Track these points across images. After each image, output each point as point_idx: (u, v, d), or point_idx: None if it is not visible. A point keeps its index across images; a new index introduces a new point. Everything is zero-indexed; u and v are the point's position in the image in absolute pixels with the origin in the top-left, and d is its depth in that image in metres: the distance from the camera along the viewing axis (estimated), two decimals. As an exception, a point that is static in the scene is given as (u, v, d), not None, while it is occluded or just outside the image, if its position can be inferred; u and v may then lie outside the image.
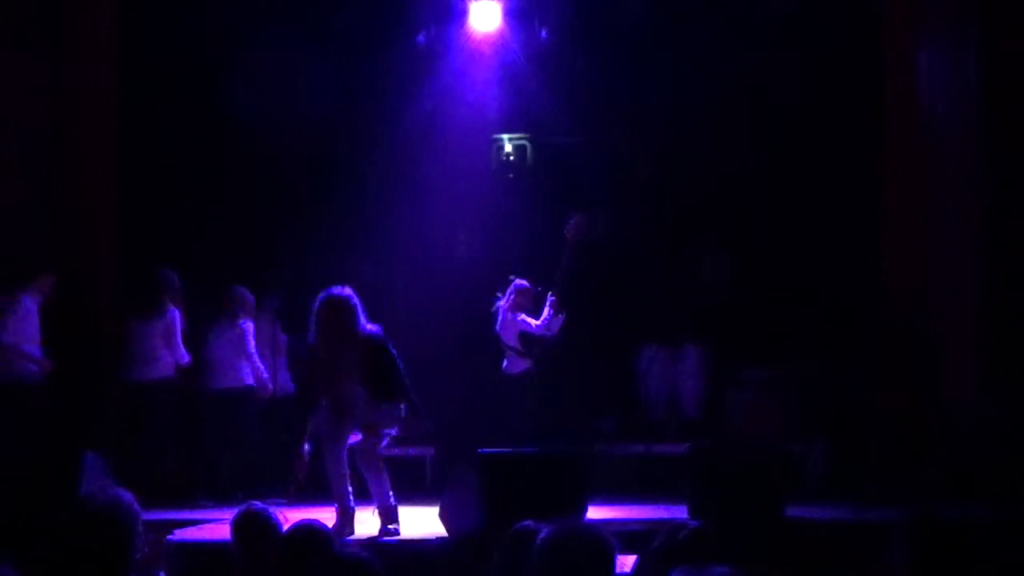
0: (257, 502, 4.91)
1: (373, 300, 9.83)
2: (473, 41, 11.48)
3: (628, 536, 6.62)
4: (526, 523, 3.79)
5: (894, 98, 9.67)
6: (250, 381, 9.79)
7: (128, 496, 3.20)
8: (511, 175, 12.08)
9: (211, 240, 10.98)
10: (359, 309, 7.49)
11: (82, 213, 9.67)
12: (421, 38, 11.49)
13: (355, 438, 7.40)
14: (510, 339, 9.97)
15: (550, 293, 10.00)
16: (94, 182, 9.77)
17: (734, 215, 11.56)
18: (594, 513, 7.24)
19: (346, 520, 7.27)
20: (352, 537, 7.09)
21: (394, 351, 7.49)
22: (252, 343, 9.81)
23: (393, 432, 7.51)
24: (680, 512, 7.29)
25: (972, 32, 8.80)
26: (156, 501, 8.70)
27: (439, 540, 6.91)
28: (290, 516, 4.68)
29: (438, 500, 7.28)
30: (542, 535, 3.02)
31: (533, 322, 9.93)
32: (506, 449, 7.37)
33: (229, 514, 4.89)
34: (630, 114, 11.75)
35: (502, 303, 10.05)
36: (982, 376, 8.69)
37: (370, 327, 7.53)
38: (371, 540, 6.97)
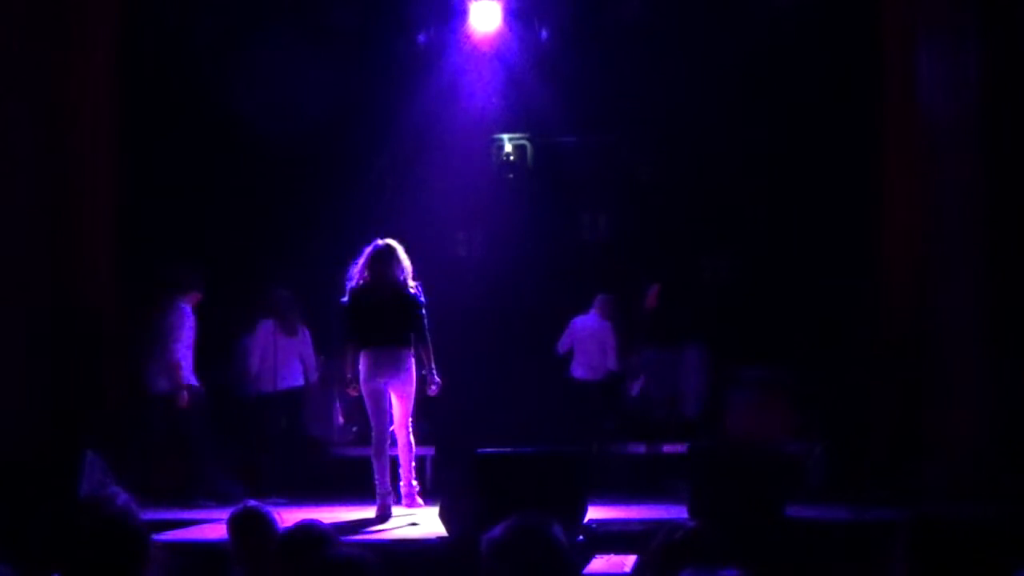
0: (253, 501, 4.91)
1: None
2: (473, 41, 11.48)
3: (628, 536, 6.67)
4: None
5: (894, 98, 9.66)
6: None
7: (135, 507, 3.16)
8: (511, 175, 12.09)
9: (210, 239, 10.97)
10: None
11: (81, 214, 9.66)
12: (421, 38, 11.49)
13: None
14: (598, 349, 10.57)
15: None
16: (93, 183, 9.75)
17: (734, 215, 11.56)
18: (594, 513, 7.23)
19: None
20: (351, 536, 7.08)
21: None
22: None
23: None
24: (680, 512, 7.29)
25: (972, 32, 8.79)
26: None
27: (439, 540, 6.91)
28: (290, 516, 4.68)
29: (438, 500, 7.28)
30: (492, 534, 2.94)
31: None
32: (505, 449, 7.36)
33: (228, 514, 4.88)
34: (630, 114, 11.75)
35: (591, 317, 10.72)
36: (982, 375, 8.68)
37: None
38: (371, 539, 6.97)
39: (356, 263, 7.87)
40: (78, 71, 9.62)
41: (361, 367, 7.78)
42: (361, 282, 7.81)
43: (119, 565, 2.93)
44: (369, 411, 7.88)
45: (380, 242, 7.90)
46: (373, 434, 7.87)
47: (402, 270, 7.80)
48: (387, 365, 7.75)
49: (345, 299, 7.87)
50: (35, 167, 9.26)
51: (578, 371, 10.78)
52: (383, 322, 7.72)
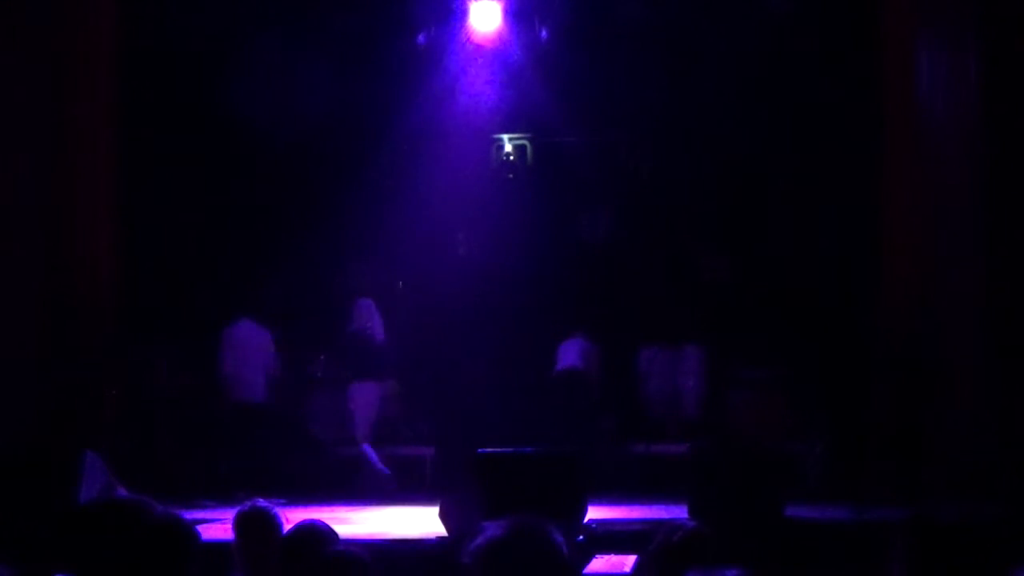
0: (260, 500, 4.91)
1: (373, 300, 9.88)
2: (473, 41, 11.48)
3: (628, 536, 6.68)
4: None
5: (894, 98, 9.66)
6: None
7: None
8: (511, 175, 12.09)
9: (210, 240, 10.98)
10: None
11: (81, 215, 9.66)
12: (421, 38, 11.48)
13: None
14: (578, 354, 10.87)
15: None
16: (94, 184, 9.75)
17: (734, 215, 11.56)
18: (594, 513, 7.24)
19: None
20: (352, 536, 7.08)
21: None
22: None
23: None
24: (680, 512, 7.29)
25: (972, 32, 8.79)
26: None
27: (439, 540, 6.91)
28: (291, 516, 4.68)
29: (438, 500, 7.28)
30: (487, 535, 2.88)
31: None
32: (506, 449, 7.37)
33: (230, 514, 4.88)
34: (630, 114, 11.74)
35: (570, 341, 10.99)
36: (982, 375, 8.68)
37: None
38: (371, 539, 6.97)
39: None
40: (78, 72, 9.62)
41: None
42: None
43: (170, 566, 2.93)
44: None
45: None
46: None
47: None
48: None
49: None
50: (35, 168, 9.26)
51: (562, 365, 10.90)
52: None
